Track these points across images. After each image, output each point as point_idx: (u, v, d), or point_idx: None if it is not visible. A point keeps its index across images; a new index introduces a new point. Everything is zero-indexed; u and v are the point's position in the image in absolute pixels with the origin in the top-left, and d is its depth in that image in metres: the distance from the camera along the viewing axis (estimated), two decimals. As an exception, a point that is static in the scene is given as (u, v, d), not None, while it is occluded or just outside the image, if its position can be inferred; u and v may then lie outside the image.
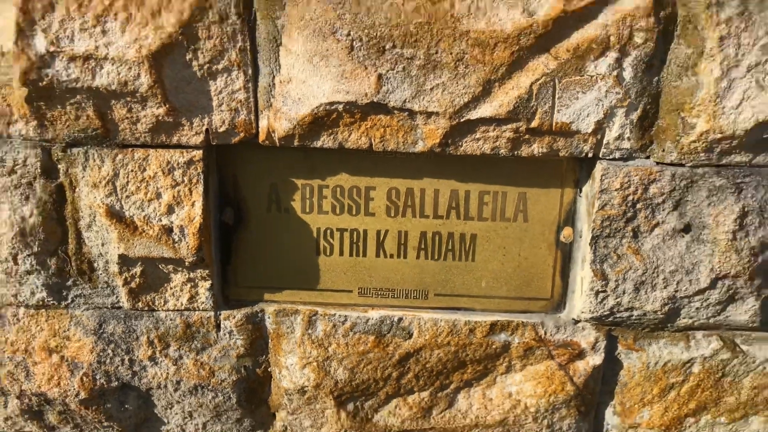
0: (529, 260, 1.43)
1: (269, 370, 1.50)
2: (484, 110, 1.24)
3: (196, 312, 1.43)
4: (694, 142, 1.25)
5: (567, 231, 1.41)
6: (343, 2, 1.18)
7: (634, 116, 1.25)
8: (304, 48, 1.21)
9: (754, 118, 1.22)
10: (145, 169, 1.30)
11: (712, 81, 1.21)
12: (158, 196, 1.32)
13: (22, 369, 1.46)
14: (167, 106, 1.24)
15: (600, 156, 1.29)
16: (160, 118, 1.25)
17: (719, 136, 1.24)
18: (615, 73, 1.21)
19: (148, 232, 1.33)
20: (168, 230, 1.33)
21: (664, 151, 1.27)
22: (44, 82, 1.21)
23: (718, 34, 1.19)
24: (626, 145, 1.27)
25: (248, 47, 1.22)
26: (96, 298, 1.42)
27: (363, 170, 1.38)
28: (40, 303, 1.42)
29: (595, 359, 1.45)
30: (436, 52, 1.20)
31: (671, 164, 1.29)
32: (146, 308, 1.43)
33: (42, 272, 1.39)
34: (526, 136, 1.27)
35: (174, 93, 1.24)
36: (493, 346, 1.45)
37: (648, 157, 1.29)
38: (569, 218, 1.41)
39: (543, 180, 1.38)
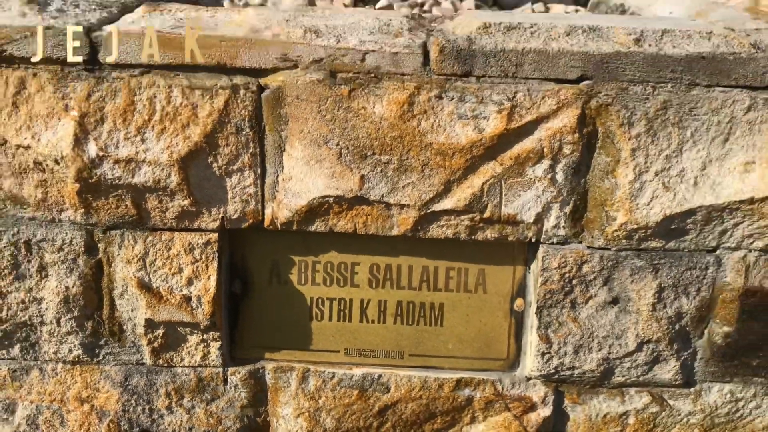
0: (488, 326, 1.71)
1: (268, 419, 1.75)
2: (446, 204, 1.54)
3: (208, 368, 1.69)
4: (616, 231, 1.55)
5: (519, 301, 1.69)
6: (333, 120, 1.49)
7: (567, 210, 1.55)
8: (302, 153, 1.52)
9: (662, 212, 1.52)
10: (170, 249, 1.59)
11: (627, 183, 1.51)
12: (180, 270, 1.60)
13: (58, 416, 1.72)
14: (191, 198, 1.54)
15: (541, 241, 1.58)
16: (185, 208, 1.55)
17: (636, 226, 1.54)
18: (549, 176, 1.52)
19: (171, 301, 1.61)
20: (188, 299, 1.61)
21: (593, 237, 1.57)
22: (93, 180, 1.52)
23: (630, 147, 1.50)
24: (562, 232, 1.57)
25: (258, 152, 1.53)
26: (123, 356, 1.69)
27: (349, 249, 1.67)
28: (76, 359, 1.69)
29: (545, 411, 1.71)
30: (407, 158, 1.51)
31: (599, 248, 1.58)
32: (165, 365, 1.69)
33: (79, 333, 1.66)
34: (481, 224, 1.56)
35: (197, 188, 1.54)
36: (459, 400, 1.71)
37: (581, 242, 1.58)
38: (521, 290, 1.69)
39: (498, 258, 1.67)
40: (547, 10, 2.96)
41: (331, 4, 2.83)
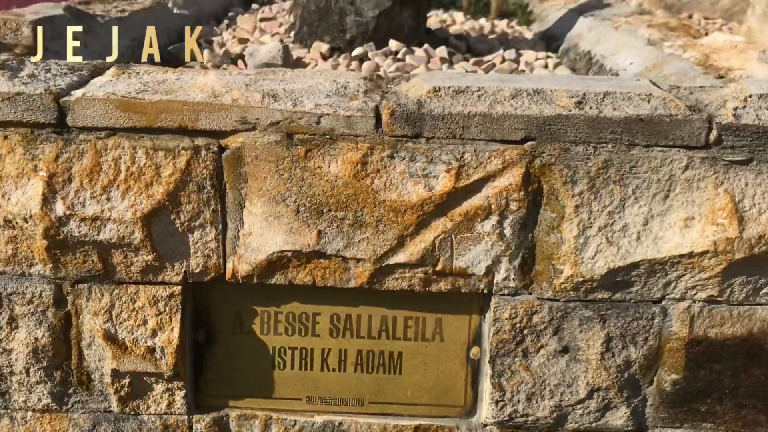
0: (445, 374, 1.76)
1: (232, 465, 1.79)
2: (400, 258, 1.60)
3: (173, 416, 1.74)
4: (563, 283, 1.61)
5: (475, 350, 1.74)
6: (291, 179, 1.56)
7: (516, 263, 1.61)
8: (261, 210, 1.59)
9: (607, 266, 1.59)
10: (135, 301, 1.65)
11: (571, 238, 1.58)
12: (145, 322, 1.66)
13: (27, 464, 1.76)
14: (155, 254, 1.60)
15: (493, 292, 1.64)
16: (149, 263, 1.61)
17: (581, 279, 1.60)
18: (498, 231, 1.58)
19: (135, 352, 1.67)
20: (152, 350, 1.67)
21: (542, 289, 1.63)
22: (60, 237, 1.58)
23: (574, 203, 1.57)
24: (512, 284, 1.63)
25: (219, 209, 1.60)
26: (91, 404, 1.74)
27: (310, 300, 1.73)
28: (45, 408, 1.74)
29: (502, 457, 1.75)
30: (362, 215, 1.58)
31: (549, 299, 1.64)
32: (132, 412, 1.74)
33: (48, 382, 1.71)
34: (434, 277, 1.63)
35: (160, 244, 1.60)
36: (418, 446, 1.76)
37: (531, 293, 1.64)
38: (477, 339, 1.74)
39: (454, 308, 1.73)
40: (519, 56, 3.06)
41: (308, 53, 2.93)
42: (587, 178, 1.55)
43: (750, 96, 1.59)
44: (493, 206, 1.57)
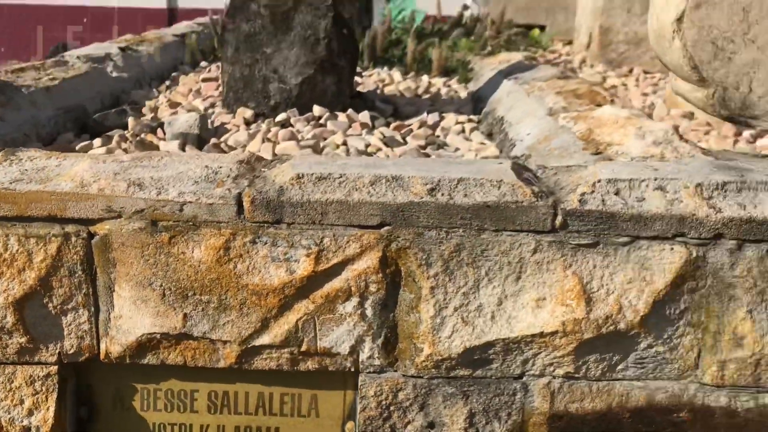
0: (321, 448, 1.80)
1: None
2: (265, 339, 1.66)
3: (54, 493, 1.78)
4: (424, 361, 1.67)
5: (350, 425, 1.79)
6: (156, 264, 1.62)
7: (379, 342, 1.67)
8: (130, 294, 1.65)
9: (463, 345, 1.65)
10: (13, 381, 1.70)
11: (428, 318, 1.64)
12: (22, 402, 1.70)
13: None
14: (28, 336, 1.66)
15: (359, 370, 1.69)
16: (23, 345, 1.67)
17: (440, 357, 1.66)
18: (359, 311, 1.64)
19: None
20: (27, 429, 1.71)
21: (405, 366, 1.68)
22: (-65, 321, 1.64)
23: (429, 285, 1.63)
24: (377, 362, 1.68)
25: (91, 292, 1.65)
26: (-28, 482, 1.77)
27: (188, 377, 1.77)
28: (-73, 486, 1.77)
29: None
30: (226, 298, 1.64)
31: (413, 376, 1.69)
32: (12, 490, 1.77)
33: (-71, 461, 1.75)
34: (300, 357, 1.68)
35: (33, 327, 1.66)
36: None
37: (396, 371, 1.69)
38: (352, 414, 1.79)
39: (329, 384, 1.77)
40: (441, 119, 3.15)
41: (233, 118, 3.02)
42: (441, 261, 1.62)
43: (599, 181, 1.67)
44: (353, 288, 1.63)
